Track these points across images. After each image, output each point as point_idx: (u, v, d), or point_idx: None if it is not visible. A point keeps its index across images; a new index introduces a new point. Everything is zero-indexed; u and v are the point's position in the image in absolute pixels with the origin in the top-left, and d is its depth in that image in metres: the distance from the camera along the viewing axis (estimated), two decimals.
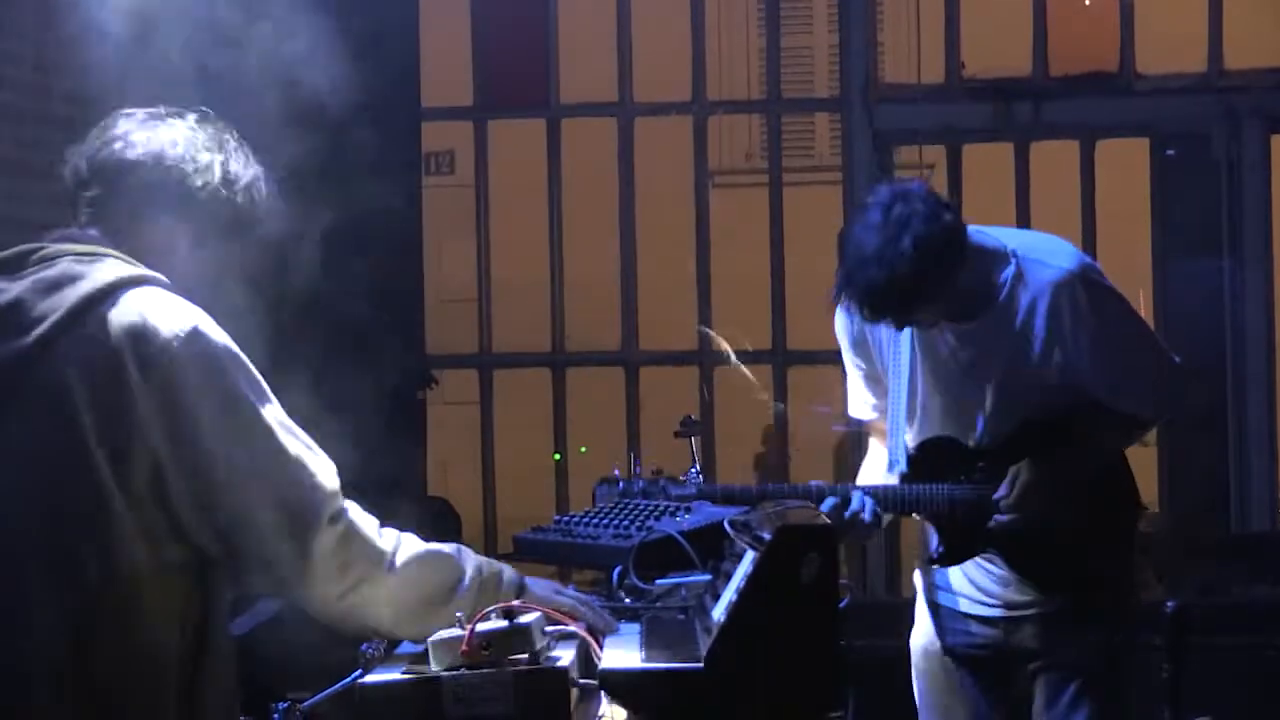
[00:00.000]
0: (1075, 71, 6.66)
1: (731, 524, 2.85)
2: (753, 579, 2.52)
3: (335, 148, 5.91)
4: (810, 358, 6.75)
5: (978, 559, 3.68)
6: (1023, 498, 3.56)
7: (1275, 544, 6.41)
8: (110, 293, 2.45)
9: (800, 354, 6.78)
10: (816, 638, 2.50)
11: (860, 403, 3.83)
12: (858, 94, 6.69)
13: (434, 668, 2.45)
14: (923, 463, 3.64)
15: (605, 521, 3.47)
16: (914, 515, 3.69)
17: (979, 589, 3.71)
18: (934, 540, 3.69)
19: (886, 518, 3.64)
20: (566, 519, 3.56)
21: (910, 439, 3.67)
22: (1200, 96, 6.54)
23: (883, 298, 3.44)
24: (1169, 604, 3.82)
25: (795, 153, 8.03)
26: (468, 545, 2.91)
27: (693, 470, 3.66)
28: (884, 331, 3.67)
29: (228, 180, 2.61)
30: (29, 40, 5.59)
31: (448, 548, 2.66)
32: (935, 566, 3.73)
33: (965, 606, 3.74)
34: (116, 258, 2.53)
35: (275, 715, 2.87)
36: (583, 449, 7.01)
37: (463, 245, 7.19)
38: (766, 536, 2.57)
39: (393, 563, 2.52)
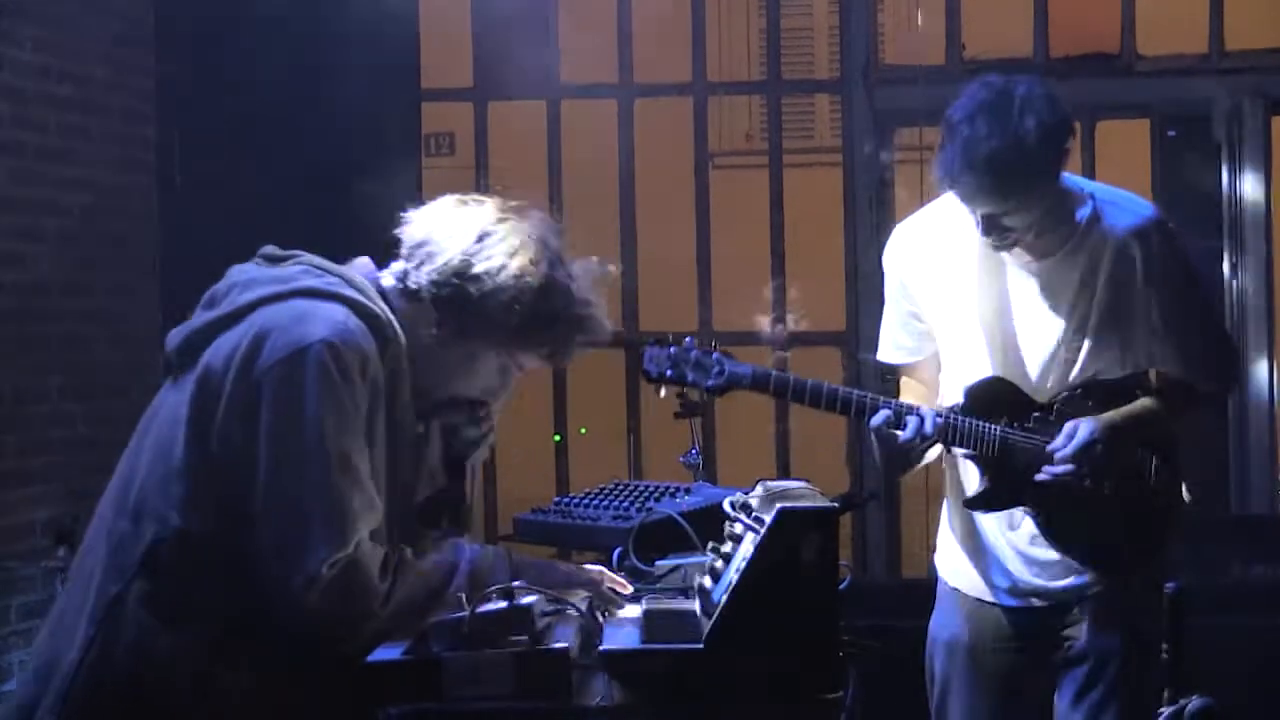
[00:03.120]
0: (1076, 52, 6.64)
1: (732, 505, 2.86)
2: (753, 560, 2.53)
3: (335, 130, 5.92)
4: (809, 339, 6.74)
5: (1011, 545, 3.59)
6: (1077, 454, 3.42)
7: (1275, 525, 6.42)
8: (284, 297, 2.56)
9: (800, 336, 6.76)
10: (816, 619, 2.51)
11: (891, 345, 3.71)
12: (858, 75, 6.68)
13: (435, 648, 2.46)
14: (978, 400, 3.49)
15: (605, 503, 3.48)
16: (958, 450, 3.52)
17: (1007, 577, 3.62)
18: (976, 481, 3.56)
19: (930, 454, 3.51)
20: (566, 500, 3.57)
21: (965, 378, 3.53)
22: (1201, 78, 6.53)
23: (1002, 174, 3.25)
24: (1168, 585, 3.81)
25: (795, 134, 8.01)
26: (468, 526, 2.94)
27: (693, 450, 3.66)
28: (939, 270, 3.56)
29: (493, 280, 2.71)
30: (29, 21, 5.59)
31: (445, 550, 2.68)
32: (970, 509, 3.59)
33: (992, 596, 3.65)
34: (338, 276, 2.63)
35: None
36: (583, 430, 7.00)
37: None
38: (767, 518, 2.58)
39: (387, 599, 2.54)
